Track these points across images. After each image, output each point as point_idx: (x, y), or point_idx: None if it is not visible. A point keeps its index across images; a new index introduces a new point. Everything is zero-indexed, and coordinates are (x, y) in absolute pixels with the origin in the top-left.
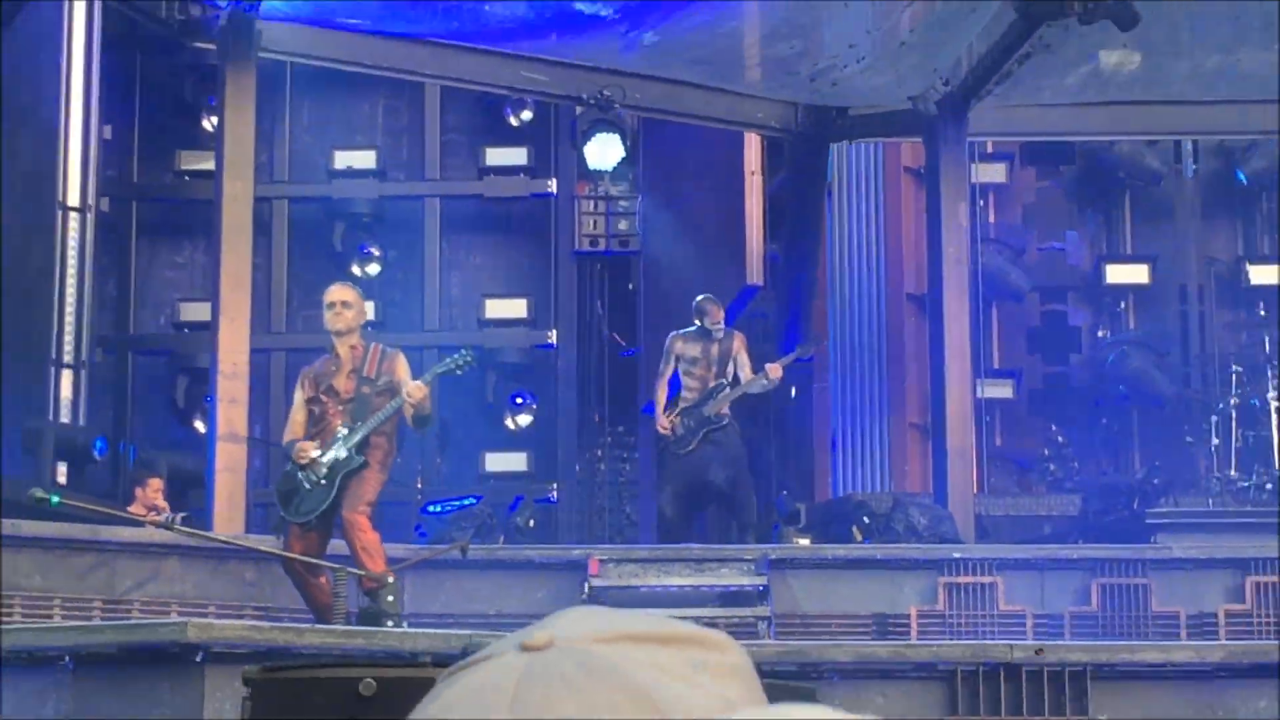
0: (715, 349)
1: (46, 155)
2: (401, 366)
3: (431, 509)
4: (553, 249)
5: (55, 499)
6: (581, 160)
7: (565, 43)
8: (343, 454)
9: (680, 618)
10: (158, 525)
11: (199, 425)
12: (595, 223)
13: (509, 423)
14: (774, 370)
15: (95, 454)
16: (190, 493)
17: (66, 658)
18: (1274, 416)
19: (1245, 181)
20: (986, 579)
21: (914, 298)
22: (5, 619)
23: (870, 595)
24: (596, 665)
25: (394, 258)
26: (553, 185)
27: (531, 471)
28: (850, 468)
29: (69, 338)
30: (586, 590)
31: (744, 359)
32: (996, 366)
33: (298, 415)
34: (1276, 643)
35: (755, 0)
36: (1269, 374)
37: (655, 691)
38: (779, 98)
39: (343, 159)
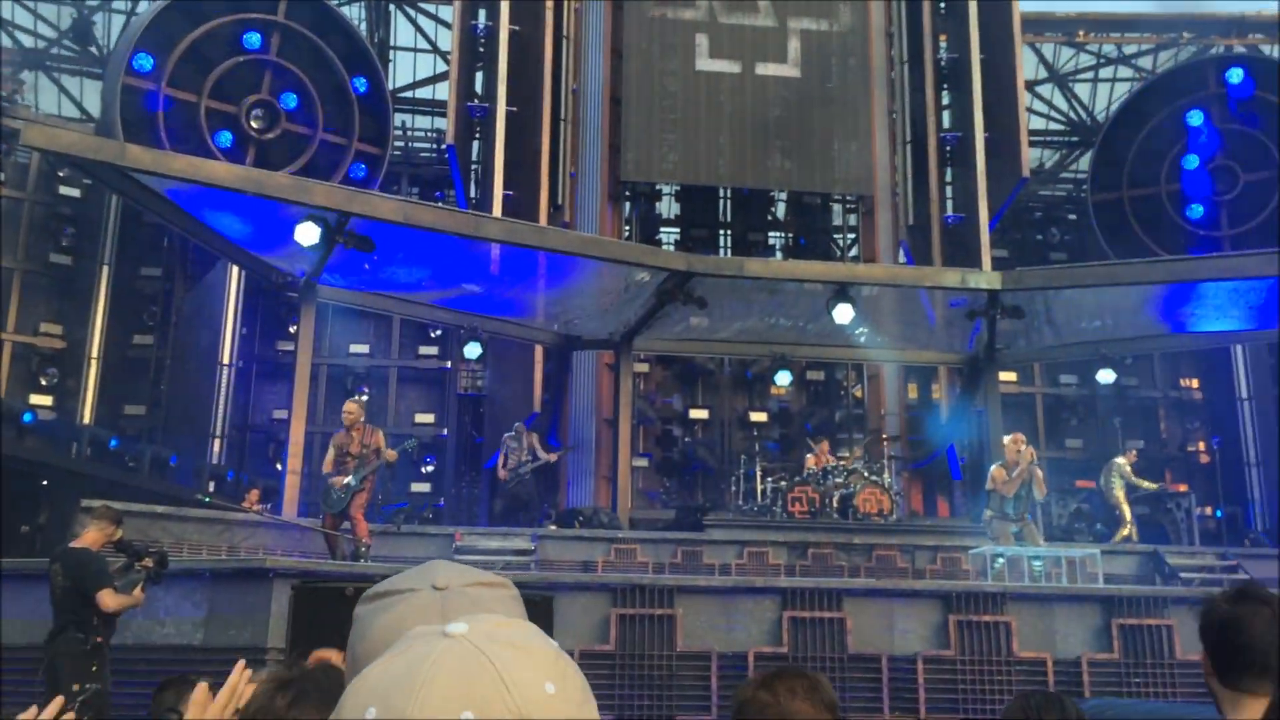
0: (525, 440)
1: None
2: (381, 439)
3: (388, 508)
4: (447, 392)
5: (207, 499)
6: (462, 353)
7: (455, 304)
8: (353, 482)
9: (495, 560)
10: (257, 513)
11: (278, 466)
12: (466, 381)
13: (423, 469)
14: (554, 456)
15: (227, 477)
16: (270, 500)
17: (207, 573)
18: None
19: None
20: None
21: (607, 420)
22: (175, 555)
23: (581, 549)
24: (474, 597)
25: (373, 393)
26: (449, 363)
27: (431, 492)
28: (574, 497)
29: (219, 422)
30: (454, 548)
31: (538, 445)
32: (642, 450)
33: (331, 460)
34: None
35: (540, 294)
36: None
37: (497, 609)
38: (550, 329)
39: (354, 347)
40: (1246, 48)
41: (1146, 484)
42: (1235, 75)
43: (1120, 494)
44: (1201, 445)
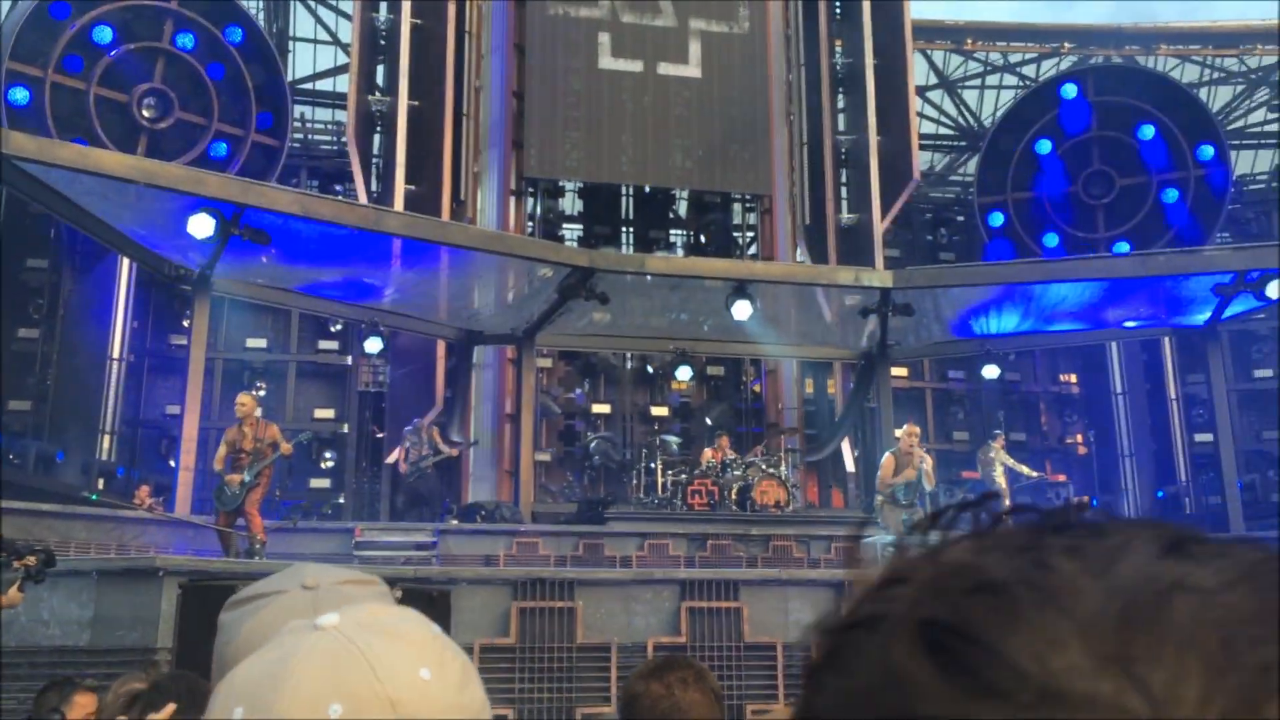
0: (425, 433)
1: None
2: (276, 432)
3: (285, 504)
4: (347, 388)
5: (95, 496)
6: (363, 348)
7: (356, 298)
8: (248, 478)
9: (396, 555)
10: (148, 510)
11: (171, 463)
12: (367, 376)
13: (322, 464)
14: (454, 450)
15: (118, 474)
16: (162, 495)
17: (94, 572)
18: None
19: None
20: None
21: (509, 415)
22: (62, 554)
23: (483, 543)
24: (346, 595)
25: (271, 388)
26: (349, 360)
27: (331, 488)
28: (476, 492)
29: (109, 417)
30: (354, 543)
31: (439, 439)
32: (544, 445)
33: (223, 456)
34: None
35: (443, 289)
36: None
37: (366, 603)
38: (453, 324)
39: (251, 342)
40: (1124, 58)
41: (1027, 470)
42: (1110, 84)
43: (1003, 480)
44: (1079, 438)
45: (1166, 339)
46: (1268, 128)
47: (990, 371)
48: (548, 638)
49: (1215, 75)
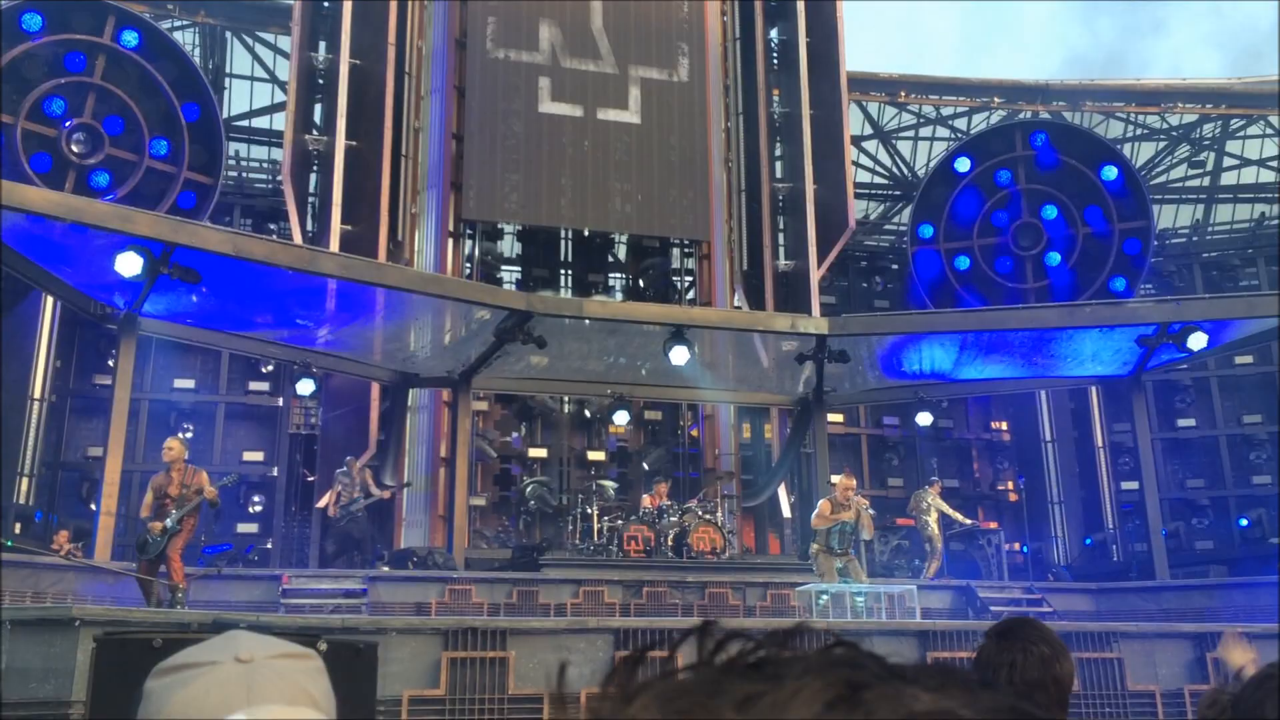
0: (357, 475)
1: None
2: (204, 479)
3: (209, 550)
4: (278, 430)
5: (9, 543)
6: (295, 389)
7: (288, 339)
8: (171, 524)
9: (324, 603)
10: (66, 557)
11: (92, 507)
12: (299, 418)
13: (250, 509)
14: (386, 493)
15: (35, 518)
16: (82, 540)
17: (6, 622)
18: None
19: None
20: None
21: (444, 459)
22: None
23: (414, 591)
24: (280, 670)
25: (199, 430)
26: (280, 401)
27: (259, 533)
28: (409, 538)
29: (29, 459)
30: (282, 590)
31: (371, 482)
32: (479, 489)
33: (149, 504)
34: None
35: (378, 331)
36: None
37: (303, 681)
38: (388, 366)
39: (179, 382)
40: (1050, 114)
41: (960, 517)
42: (1039, 139)
43: (936, 527)
44: (1010, 484)
45: (1094, 388)
46: (1189, 184)
47: (924, 418)
48: (478, 688)
49: (1138, 132)
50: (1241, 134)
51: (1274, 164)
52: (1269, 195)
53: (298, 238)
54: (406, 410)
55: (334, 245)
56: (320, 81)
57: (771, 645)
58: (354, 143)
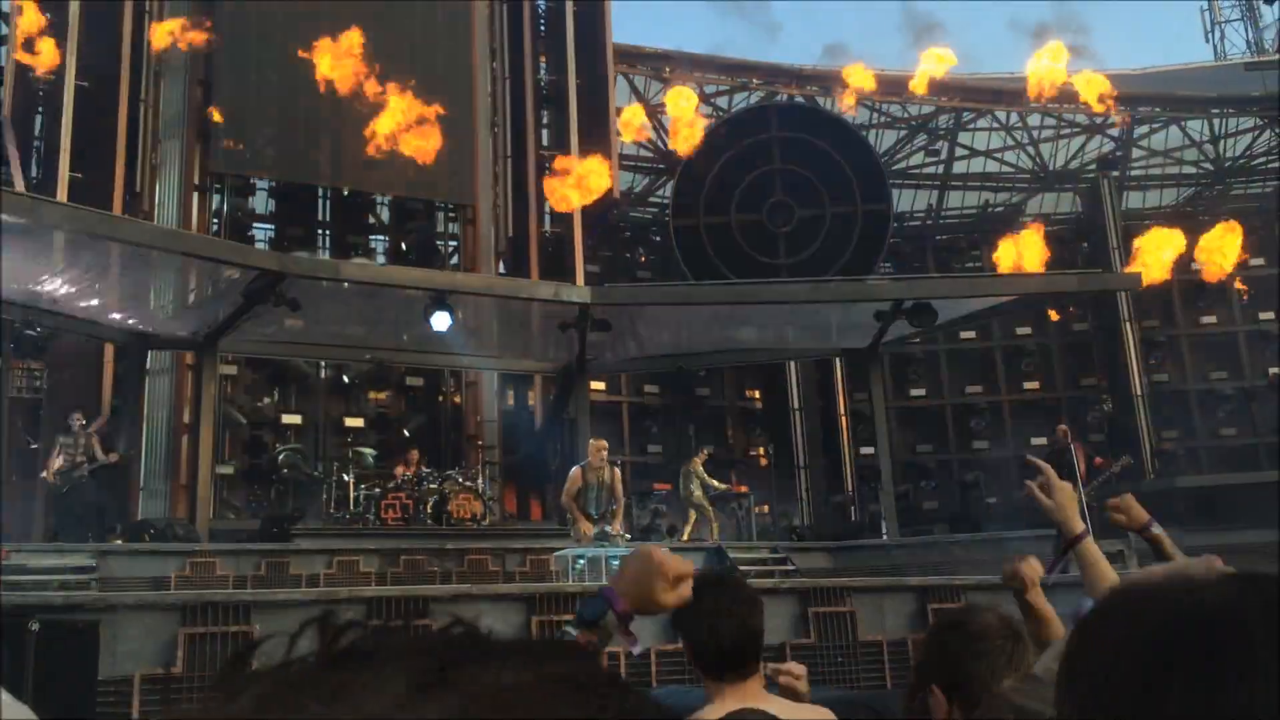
0: (83, 439)
1: None
2: None
3: None
4: None
5: None
6: (15, 351)
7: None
8: None
9: (49, 580)
10: None
11: None
12: (21, 382)
13: None
14: (114, 457)
15: None
16: None
17: None
18: None
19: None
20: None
21: (187, 425)
22: None
23: (152, 565)
24: None
25: None
26: None
27: None
28: (148, 508)
29: None
30: (1, 566)
31: (98, 446)
32: (226, 457)
33: None
34: None
35: (112, 288)
36: None
37: None
38: (124, 327)
39: None
40: (805, 98)
41: (716, 483)
42: (792, 121)
43: (700, 495)
44: (761, 450)
45: (838, 359)
46: (925, 170)
47: (682, 386)
48: (219, 665)
49: (882, 119)
50: (972, 126)
51: (999, 156)
52: (993, 185)
53: (20, 185)
54: (145, 373)
55: (62, 194)
56: (47, 15)
57: (380, 633)
58: (85, 83)
